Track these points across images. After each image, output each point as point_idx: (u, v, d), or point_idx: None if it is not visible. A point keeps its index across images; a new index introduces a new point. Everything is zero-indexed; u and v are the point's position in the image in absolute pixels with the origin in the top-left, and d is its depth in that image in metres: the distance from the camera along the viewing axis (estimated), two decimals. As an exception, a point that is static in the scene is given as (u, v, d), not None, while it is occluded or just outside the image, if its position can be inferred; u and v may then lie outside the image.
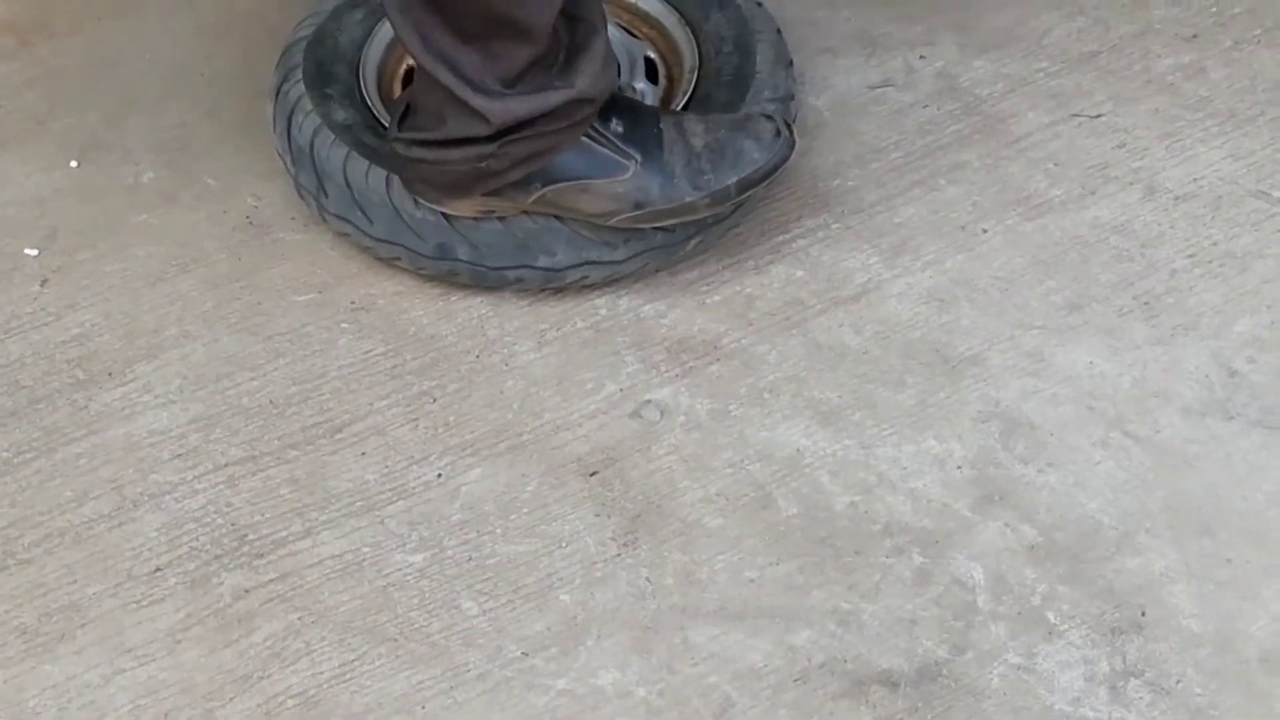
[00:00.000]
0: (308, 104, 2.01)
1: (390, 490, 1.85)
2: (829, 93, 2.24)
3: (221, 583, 1.78)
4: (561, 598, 1.76)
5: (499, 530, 1.81)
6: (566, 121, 1.84)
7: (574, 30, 1.82)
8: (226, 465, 1.87)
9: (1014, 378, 1.92)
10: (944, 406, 1.90)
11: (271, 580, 1.78)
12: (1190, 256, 2.04)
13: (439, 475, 1.86)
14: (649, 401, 1.91)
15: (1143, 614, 1.73)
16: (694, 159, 1.92)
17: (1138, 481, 1.83)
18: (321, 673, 1.71)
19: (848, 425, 1.89)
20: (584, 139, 1.87)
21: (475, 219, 1.93)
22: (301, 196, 2.04)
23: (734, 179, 1.93)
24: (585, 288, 2.02)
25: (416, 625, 1.74)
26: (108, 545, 1.81)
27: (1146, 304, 2.00)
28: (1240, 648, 1.70)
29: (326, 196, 1.99)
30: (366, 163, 1.95)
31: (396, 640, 1.73)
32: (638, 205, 1.90)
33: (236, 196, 2.14)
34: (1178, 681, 1.68)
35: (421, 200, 1.93)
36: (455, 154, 1.85)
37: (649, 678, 1.70)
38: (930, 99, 2.23)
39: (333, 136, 1.97)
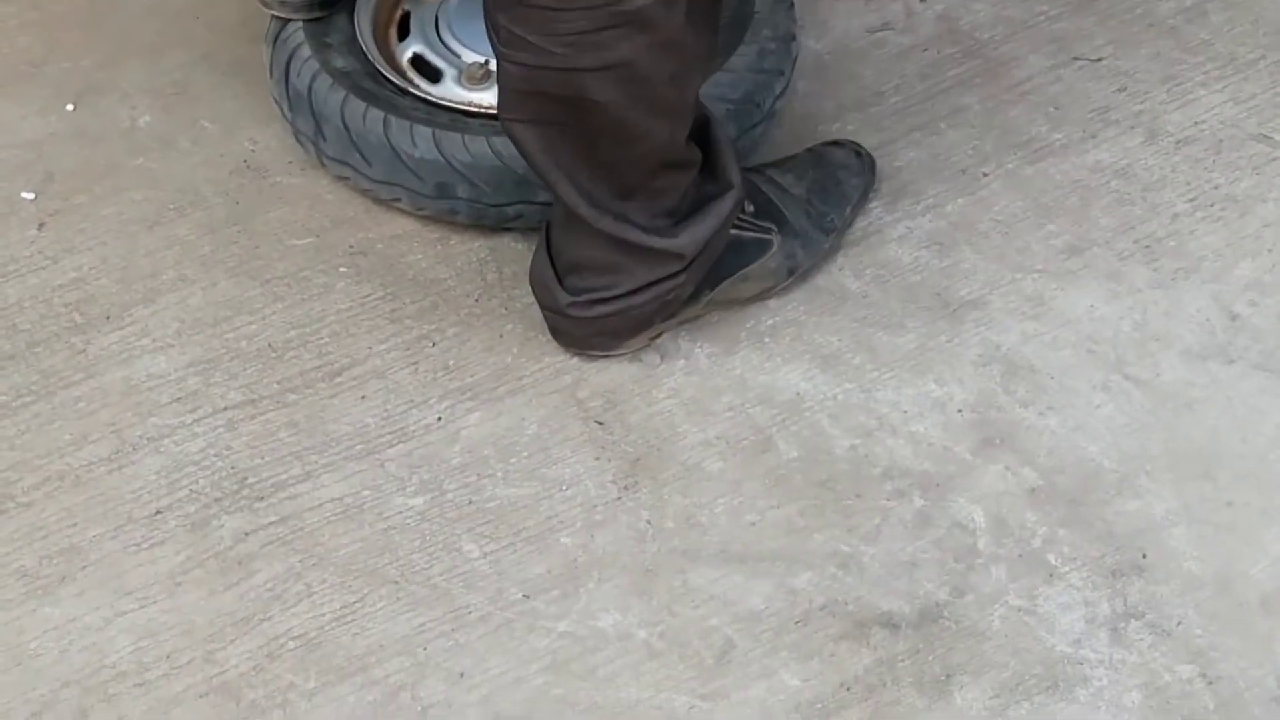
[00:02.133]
0: (306, 50, 2.00)
1: (390, 434, 1.84)
2: (829, 36, 2.23)
3: (222, 525, 1.77)
4: (562, 540, 1.76)
5: (499, 473, 1.81)
6: (729, 222, 1.83)
7: (696, 126, 1.78)
8: (226, 409, 1.87)
9: (1015, 321, 1.92)
10: (944, 350, 1.90)
11: (272, 523, 1.77)
12: (1191, 200, 2.04)
13: (439, 418, 1.86)
14: (649, 345, 1.91)
15: (1143, 556, 1.73)
16: (809, 206, 1.95)
17: (1138, 425, 1.83)
18: (323, 615, 1.71)
19: (848, 369, 1.89)
20: (731, 231, 1.85)
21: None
22: (299, 141, 2.03)
23: (848, 209, 1.98)
24: None
25: (417, 568, 1.74)
26: (107, 488, 1.80)
27: (1147, 248, 2.00)
28: (1240, 590, 1.71)
29: (324, 140, 1.98)
30: (364, 105, 1.94)
31: (398, 583, 1.73)
32: (790, 272, 1.93)
33: (233, 141, 2.13)
34: (1178, 623, 1.68)
35: (595, 353, 1.89)
36: (641, 297, 1.82)
37: (649, 620, 1.70)
38: (930, 42, 2.22)
39: (331, 80, 1.96)
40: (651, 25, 1.55)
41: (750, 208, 1.89)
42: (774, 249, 1.90)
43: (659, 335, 1.89)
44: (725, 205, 1.79)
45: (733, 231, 1.85)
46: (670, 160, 1.74)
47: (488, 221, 1.99)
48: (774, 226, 1.91)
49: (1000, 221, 2.02)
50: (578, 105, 1.62)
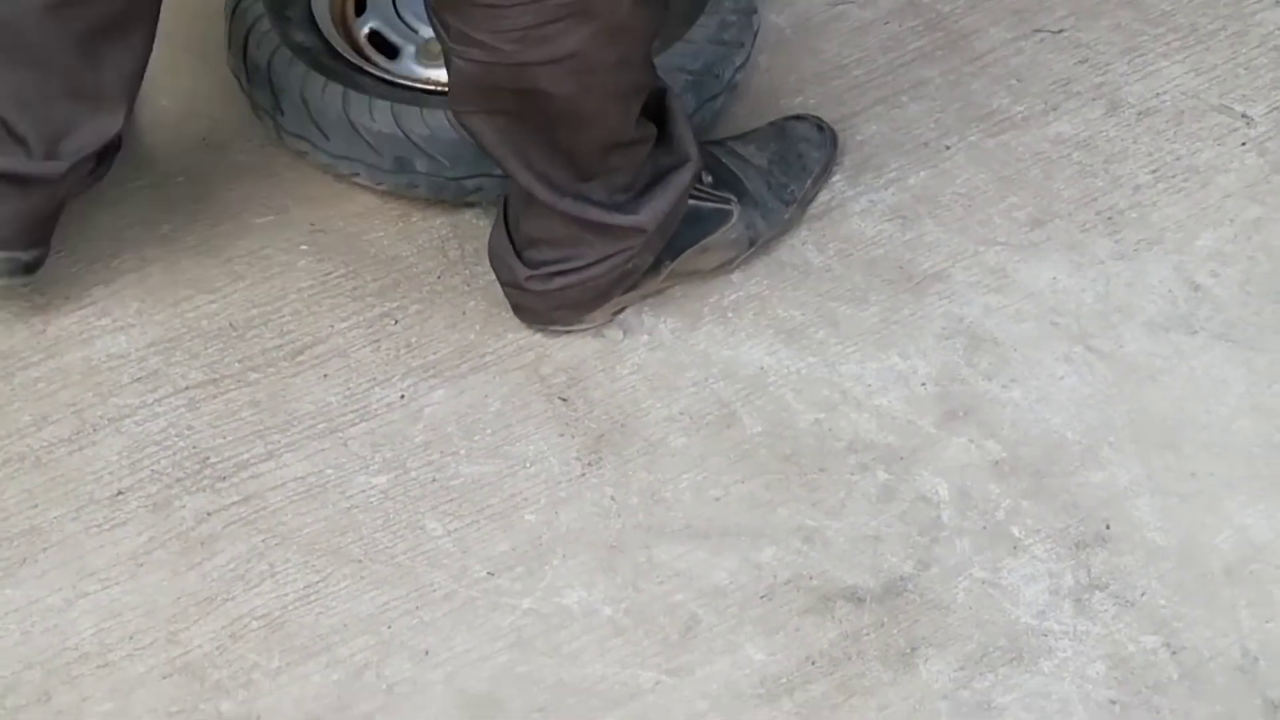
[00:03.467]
0: (266, 24, 1.98)
1: (353, 412, 1.84)
2: (790, 9, 2.22)
3: (184, 506, 1.76)
4: (526, 518, 1.75)
5: (463, 451, 1.81)
6: (687, 193, 1.83)
7: (652, 99, 1.78)
8: (187, 388, 1.86)
9: (977, 294, 1.92)
10: (908, 323, 1.90)
11: (234, 503, 1.77)
12: (1153, 171, 2.04)
13: (401, 396, 1.85)
14: (613, 321, 1.90)
15: (1107, 528, 1.73)
16: (770, 177, 1.94)
17: (1101, 396, 1.84)
18: (286, 594, 1.70)
19: (811, 343, 1.89)
20: (690, 201, 1.85)
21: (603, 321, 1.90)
22: (258, 116, 2.02)
23: (809, 181, 1.98)
24: None
25: (381, 546, 1.73)
26: (68, 469, 1.79)
27: (1109, 219, 2.00)
28: (1204, 560, 1.71)
29: (283, 114, 1.96)
30: (323, 79, 1.93)
31: (361, 561, 1.72)
32: (752, 242, 1.93)
33: (192, 119, 2.12)
34: (1142, 594, 1.68)
35: (557, 327, 1.89)
36: (602, 268, 1.81)
37: (614, 596, 1.70)
38: (891, 15, 2.22)
39: (290, 55, 1.95)
40: (597, 13, 1.56)
41: (709, 178, 1.89)
42: (734, 219, 1.89)
43: (621, 310, 1.89)
44: (683, 177, 1.79)
45: (691, 202, 1.84)
46: (624, 140, 1.73)
47: (447, 195, 1.98)
48: (733, 197, 1.90)
49: (962, 194, 2.02)
50: (530, 96, 1.62)
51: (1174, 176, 2.04)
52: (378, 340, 1.90)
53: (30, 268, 1.87)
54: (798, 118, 2.04)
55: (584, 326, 1.88)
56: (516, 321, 1.90)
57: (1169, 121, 2.09)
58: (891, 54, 2.17)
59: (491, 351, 1.89)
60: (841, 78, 2.15)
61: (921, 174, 2.05)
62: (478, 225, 1.99)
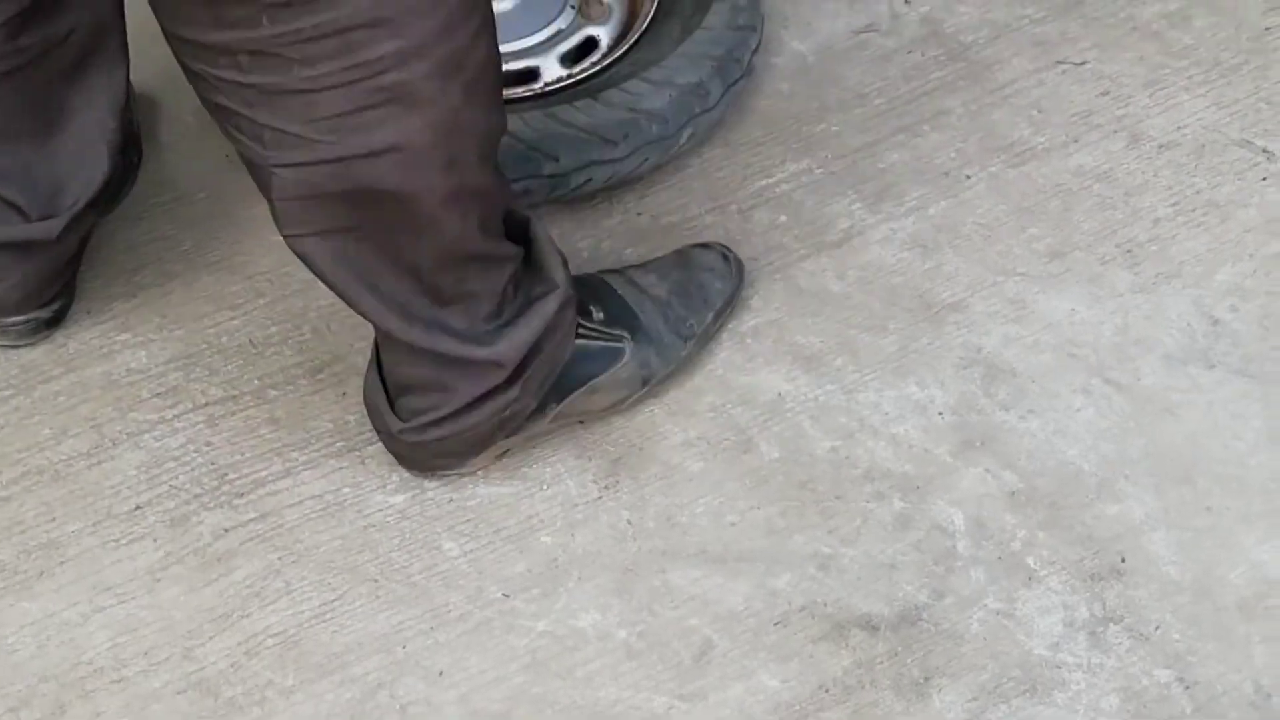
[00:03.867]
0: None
1: (371, 431, 1.83)
2: (813, 37, 2.23)
3: (201, 522, 1.77)
4: (542, 539, 1.76)
5: (480, 472, 1.81)
6: (563, 327, 1.72)
7: (516, 227, 1.68)
8: (206, 405, 1.87)
9: (996, 324, 1.93)
10: (926, 352, 1.90)
11: (251, 520, 1.77)
12: (1173, 205, 2.04)
13: (420, 416, 1.85)
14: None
15: (1122, 560, 1.73)
16: (668, 310, 1.85)
17: (1118, 429, 1.84)
18: (302, 612, 1.70)
19: (829, 370, 1.89)
20: (578, 340, 1.76)
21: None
22: (282, 135, 2.02)
23: (710, 315, 1.88)
24: (575, 212, 2.01)
25: (397, 566, 1.74)
26: (86, 483, 1.80)
27: (1129, 252, 2.00)
28: (1218, 594, 1.71)
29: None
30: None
31: (377, 580, 1.73)
32: (645, 381, 1.83)
33: (215, 134, 2.08)
34: (1156, 628, 1.68)
35: (444, 473, 1.80)
36: (474, 416, 1.70)
37: (629, 620, 1.70)
38: (914, 44, 2.22)
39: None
40: (418, 104, 1.41)
41: (599, 315, 1.79)
42: (625, 358, 1.79)
43: (505, 453, 1.81)
44: (549, 306, 1.67)
45: (579, 340, 1.75)
46: (473, 253, 1.60)
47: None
48: (626, 334, 1.80)
49: (982, 224, 2.02)
50: (359, 200, 1.48)
51: (1194, 210, 2.04)
52: (397, 360, 1.90)
53: (53, 322, 1.90)
54: (703, 246, 1.93)
55: (468, 470, 1.80)
56: (536, 343, 1.90)
57: (1189, 155, 2.09)
58: (914, 83, 2.18)
59: (510, 373, 1.89)
60: (863, 105, 2.15)
61: (942, 203, 2.05)
62: None
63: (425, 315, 1.61)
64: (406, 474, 1.80)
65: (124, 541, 1.76)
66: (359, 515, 1.77)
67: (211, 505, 1.78)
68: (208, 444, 1.83)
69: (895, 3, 2.26)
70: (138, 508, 1.78)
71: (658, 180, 2.06)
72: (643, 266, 1.90)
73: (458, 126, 1.45)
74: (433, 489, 1.79)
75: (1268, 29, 2.22)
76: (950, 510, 1.78)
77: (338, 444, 1.83)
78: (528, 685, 1.66)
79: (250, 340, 1.92)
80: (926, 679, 1.66)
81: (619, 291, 1.85)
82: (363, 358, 1.89)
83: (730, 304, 1.91)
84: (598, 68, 2.04)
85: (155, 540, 1.76)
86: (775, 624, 1.70)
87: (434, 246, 1.56)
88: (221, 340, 1.92)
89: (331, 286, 1.58)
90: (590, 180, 1.96)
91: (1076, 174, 2.08)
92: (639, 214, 2.03)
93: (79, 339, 1.92)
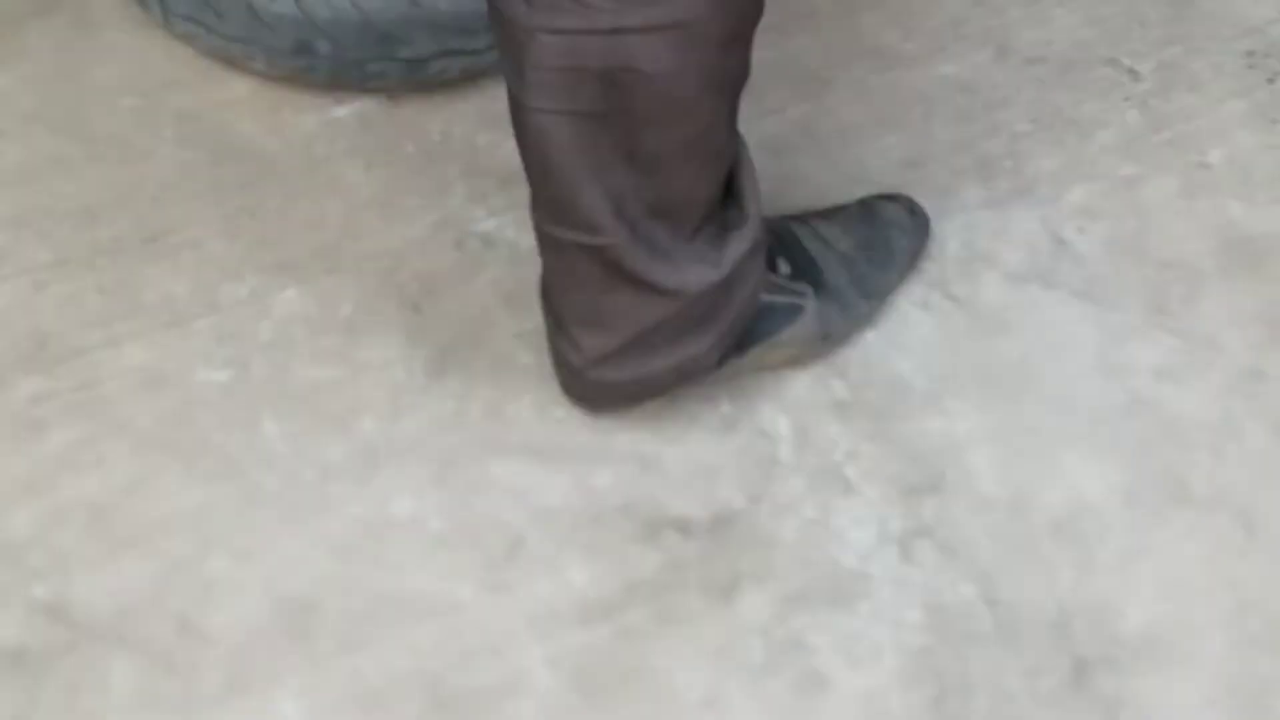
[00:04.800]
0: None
1: (200, 305, 1.81)
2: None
3: (16, 386, 1.74)
4: (365, 425, 1.74)
5: (307, 353, 1.79)
6: (752, 277, 1.65)
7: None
8: (33, 269, 1.83)
9: (841, 232, 1.91)
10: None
11: (70, 388, 1.75)
12: (1033, 121, 2.04)
13: (251, 292, 1.83)
14: (473, 233, 1.89)
15: (941, 476, 1.74)
16: (851, 266, 1.81)
17: (951, 344, 1.84)
18: (112, 484, 1.68)
19: (670, 269, 1.88)
20: (763, 296, 1.69)
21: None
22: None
23: (894, 274, 1.85)
24: (431, 96, 1.97)
25: (214, 444, 1.72)
26: (-99, 340, 1.77)
27: (984, 165, 1.99)
28: (1032, 515, 1.71)
29: (172, -4, 1.92)
30: (216, -43, 1.90)
31: (192, 457, 1.71)
32: (825, 338, 1.79)
33: None
34: (967, 545, 1.69)
35: (603, 411, 1.75)
36: (662, 363, 1.66)
37: (443, 509, 1.69)
38: (790, -58, 2.20)
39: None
40: None
41: (786, 268, 1.75)
42: (808, 314, 1.75)
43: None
44: (740, 246, 1.61)
45: (765, 296, 1.71)
46: (714, 147, 1.54)
47: (347, 81, 1.94)
48: (809, 289, 1.76)
49: (840, 129, 2.01)
50: (621, 82, 1.41)
51: (1053, 127, 2.03)
52: (233, 234, 1.87)
53: None
54: (890, 198, 1.90)
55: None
56: (376, 225, 1.88)
57: (1055, 71, 2.08)
58: (785, -18, 2.15)
59: (348, 254, 1.87)
60: (732, 2, 2.12)
61: (803, 106, 2.03)
62: (348, 125, 1.97)
63: (636, 217, 1.53)
64: (232, 352, 1.78)
65: (-65, 402, 1.73)
66: (180, 390, 1.75)
67: (30, 371, 1.75)
68: (32, 308, 1.80)
69: (775, -102, 2.23)
70: (-48, 369, 1.75)
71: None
72: (826, 217, 1.85)
73: (737, 6, 1.41)
74: (258, 368, 1.77)
75: (1145, -52, 2.20)
76: (776, 416, 1.77)
77: (164, 316, 1.80)
78: (336, 569, 1.64)
79: (85, 206, 1.88)
80: (734, 584, 1.66)
81: (804, 242, 1.80)
82: (198, 230, 1.86)
83: (913, 262, 1.88)
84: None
85: (-31, 403, 1.73)
86: (590, 521, 1.69)
87: (682, 136, 1.48)
88: (55, 204, 1.88)
89: (555, 169, 1.49)
90: (446, 70, 1.93)
91: (940, 83, 2.06)
92: (495, 100, 2.00)
93: (-92, 194, 1.88)
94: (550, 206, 1.56)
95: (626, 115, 1.45)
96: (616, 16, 1.37)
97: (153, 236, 1.86)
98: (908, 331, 1.84)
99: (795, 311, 1.75)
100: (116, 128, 1.95)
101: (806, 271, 1.79)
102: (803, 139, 1.99)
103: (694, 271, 1.60)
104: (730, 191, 1.63)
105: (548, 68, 1.42)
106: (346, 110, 1.98)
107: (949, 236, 1.92)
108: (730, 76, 1.50)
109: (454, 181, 1.94)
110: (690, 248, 1.60)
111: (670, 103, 1.45)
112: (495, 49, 1.85)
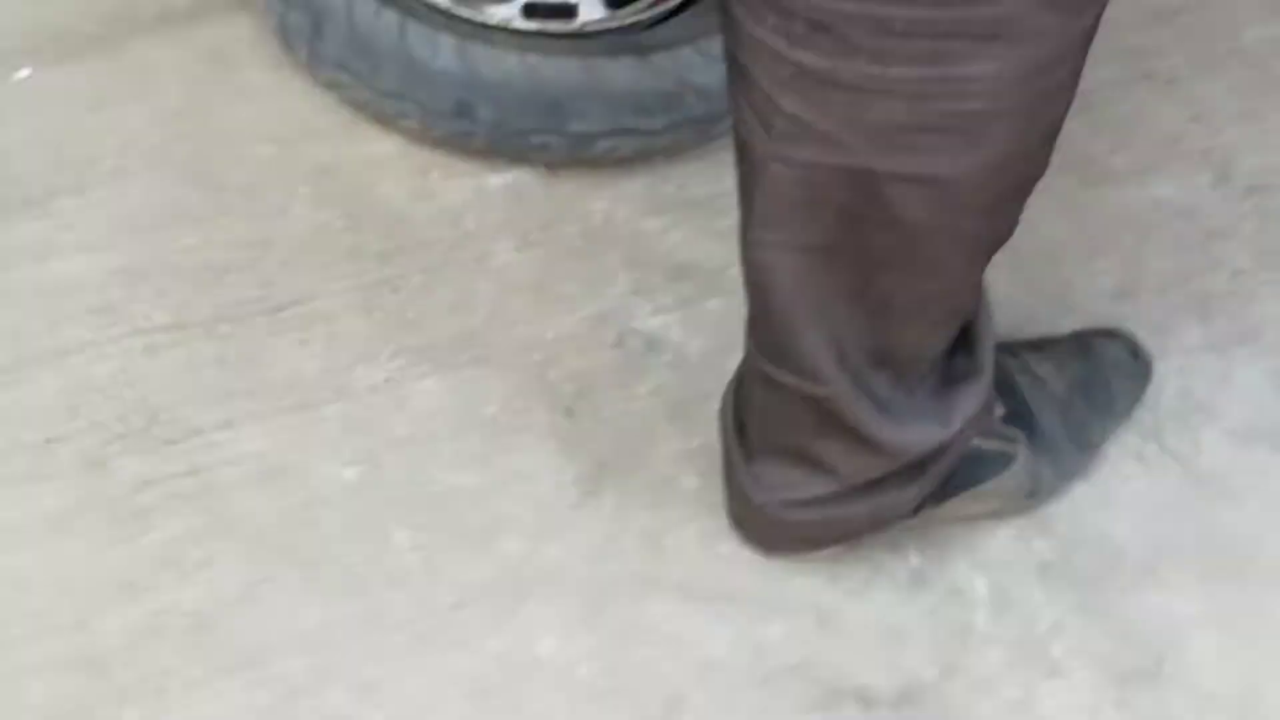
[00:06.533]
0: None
1: (329, 388, 1.65)
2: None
3: (121, 467, 1.58)
4: (507, 545, 1.56)
5: (446, 454, 1.62)
6: (974, 430, 1.48)
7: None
8: (147, 330, 1.67)
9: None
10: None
11: (179, 474, 1.58)
12: (1256, 257, 1.85)
13: (387, 379, 1.66)
14: (636, 330, 1.71)
15: (1159, 662, 1.54)
16: (1066, 411, 1.61)
17: (1170, 507, 1.65)
18: (221, 592, 1.51)
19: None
20: (973, 440, 1.51)
21: None
22: (286, 39, 1.81)
23: (1112, 423, 1.66)
24: (594, 172, 1.82)
25: (337, 552, 1.55)
26: (-4, 404, 1.61)
27: (1203, 303, 1.81)
28: (1262, 715, 1.52)
29: (321, 40, 1.77)
30: (376, 2, 1.74)
31: (312, 566, 1.54)
32: (1031, 494, 1.59)
33: (205, 23, 1.92)
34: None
35: (788, 555, 1.57)
36: (854, 507, 1.47)
37: (594, 654, 1.51)
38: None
39: (340, -28, 1.75)
40: (986, 139, 1.14)
41: (1001, 410, 1.55)
42: (1017, 464, 1.55)
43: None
44: (970, 404, 1.44)
45: (974, 441, 1.52)
46: (955, 306, 1.37)
47: (506, 150, 1.79)
48: (1021, 434, 1.57)
49: (1045, 250, 1.82)
50: (862, 220, 1.21)
51: (1278, 267, 1.83)
52: (370, 310, 1.71)
53: None
54: (1108, 334, 1.71)
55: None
56: (528, 313, 1.71)
57: (1281, 203, 1.90)
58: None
59: (495, 344, 1.70)
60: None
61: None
62: (503, 197, 1.81)
63: (859, 366, 1.35)
64: (362, 445, 1.61)
65: (27, 479, 1.56)
66: (302, 486, 1.58)
67: (135, 450, 1.59)
68: (142, 377, 1.64)
69: None
70: (49, 441, 1.59)
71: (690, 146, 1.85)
72: (1038, 349, 1.65)
73: (1014, 170, 1.22)
74: (390, 467, 1.60)
75: (1384, 69, 2.02)
76: (972, 575, 1.59)
77: (289, 398, 1.64)
78: (468, 715, 1.46)
79: (208, 263, 1.73)
80: (922, 772, 1.46)
81: (1017, 380, 1.60)
82: (331, 302, 1.70)
83: (1133, 408, 1.68)
84: (646, 16, 1.82)
85: (65, 482, 1.57)
86: (759, 682, 1.50)
87: (922, 290, 1.30)
88: (176, 258, 1.73)
89: (776, 308, 1.32)
90: (616, 149, 1.78)
91: (1154, 206, 1.88)
92: (665, 180, 1.83)
93: (12, 234, 1.73)
94: (769, 346, 1.38)
95: (861, 252, 1.25)
96: (870, 158, 1.16)
97: (281, 305, 1.71)
98: (1121, 487, 1.65)
99: (1006, 461, 1.55)
100: (247, 178, 1.79)
101: (1019, 415, 1.59)
102: (1002, 254, 1.79)
103: (918, 430, 1.42)
104: (963, 338, 1.44)
105: (782, 199, 1.22)
106: (501, 180, 1.81)
107: (1164, 380, 1.73)
108: (993, 239, 1.31)
109: (616, 270, 1.77)
110: (911, 401, 1.41)
111: (914, 254, 1.24)
112: (671, 131, 1.75)
